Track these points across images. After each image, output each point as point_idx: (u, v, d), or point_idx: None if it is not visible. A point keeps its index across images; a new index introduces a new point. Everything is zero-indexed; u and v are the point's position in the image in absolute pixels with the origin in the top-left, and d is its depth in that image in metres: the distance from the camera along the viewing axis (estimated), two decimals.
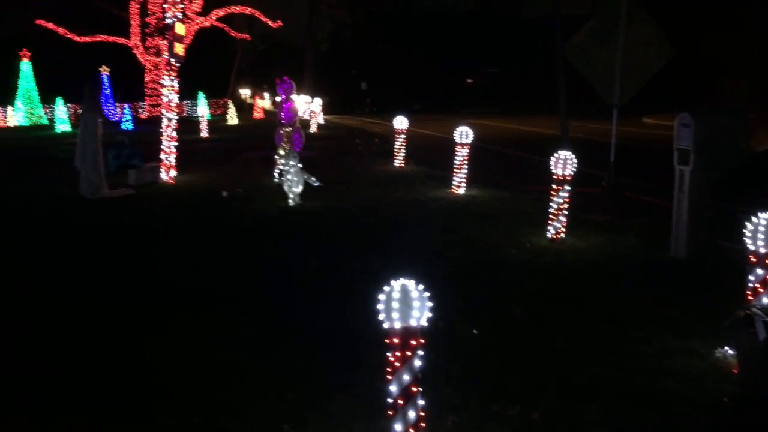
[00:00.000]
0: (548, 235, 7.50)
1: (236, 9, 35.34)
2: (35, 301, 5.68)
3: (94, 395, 3.92)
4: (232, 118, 33.22)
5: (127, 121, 29.68)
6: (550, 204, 7.48)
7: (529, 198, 10.13)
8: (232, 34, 37.28)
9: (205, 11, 33.23)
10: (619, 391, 3.91)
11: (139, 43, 35.32)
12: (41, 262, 6.96)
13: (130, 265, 6.76)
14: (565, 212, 7.45)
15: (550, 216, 7.48)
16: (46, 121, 35.73)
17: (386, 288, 3.01)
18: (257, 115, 40.12)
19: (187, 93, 33.15)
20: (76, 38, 34.07)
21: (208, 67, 42.86)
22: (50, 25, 33.15)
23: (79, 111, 16.92)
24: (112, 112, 34.94)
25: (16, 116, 35.46)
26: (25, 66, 35.08)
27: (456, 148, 10.79)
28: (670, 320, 4.94)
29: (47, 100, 36.26)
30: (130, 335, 4.82)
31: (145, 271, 6.53)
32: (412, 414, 3.04)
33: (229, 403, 3.77)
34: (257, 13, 35.04)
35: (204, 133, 24.54)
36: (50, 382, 4.10)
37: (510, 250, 7.00)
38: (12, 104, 35.85)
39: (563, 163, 7.36)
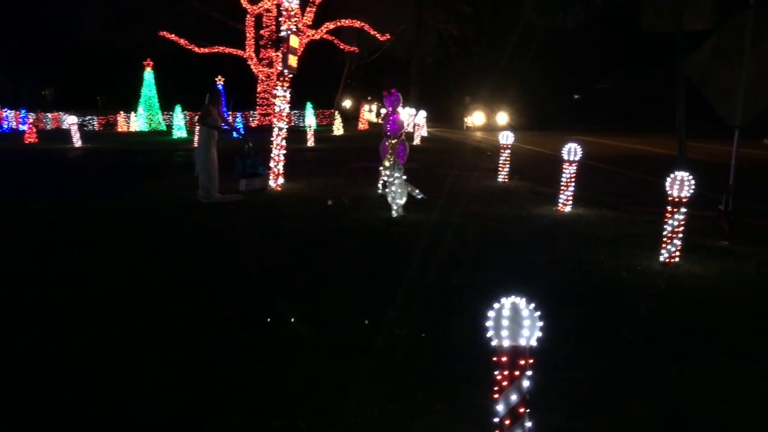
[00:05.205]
0: (661, 258, 7.17)
1: (346, 22, 36.12)
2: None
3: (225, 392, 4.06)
4: (338, 129, 33.94)
5: (238, 130, 31.02)
6: (664, 226, 7.16)
7: (639, 219, 9.77)
8: (341, 47, 38.06)
9: (316, 24, 34.11)
10: (738, 429, 3.68)
11: (253, 55, 36.69)
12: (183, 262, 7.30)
13: (232, 271, 6.98)
14: (680, 236, 7.11)
15: (664, 239, 7.16)
16: (164, 127, 37.89)
17: (496, 305, 2.95)
18: (362, 126, 40.83)
19: (297, 103, 34.08)
20: (196, 49, 35.79)
21: (316, 78, 44.03)
22: (172, 37, 34.99)
23: (196, 119, 17.88)
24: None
25: (137, 122, 37.80)
26: (148, 75, 37.31)
27: (563, 165, 10.54)
28: None
29: (166, 107, 38.49)
30: (216, 340, 4.97)
31: (245, 278, 6.72)
32: None
33: (335, 411, 3.81)
34: (366, 27, 35.61)
35: (310, 143, 25.23)
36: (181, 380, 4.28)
37: (620, 273, 6.74)
38: (135, 110, 38.27)
39: (680, 184, 7.03)
